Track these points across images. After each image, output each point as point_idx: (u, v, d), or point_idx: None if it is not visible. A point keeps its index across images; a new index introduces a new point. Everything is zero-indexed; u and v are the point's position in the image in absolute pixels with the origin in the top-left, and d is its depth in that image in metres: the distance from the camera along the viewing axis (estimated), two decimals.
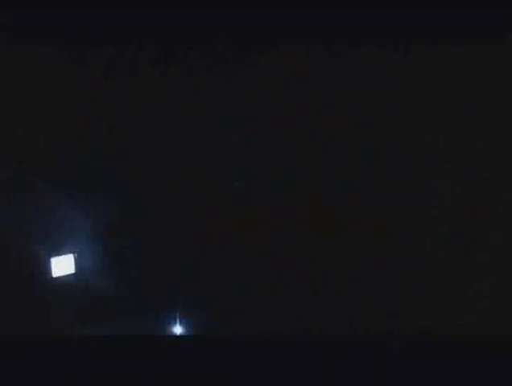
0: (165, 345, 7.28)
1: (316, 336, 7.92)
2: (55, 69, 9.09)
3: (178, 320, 8.31)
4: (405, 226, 9.60)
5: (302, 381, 7.03)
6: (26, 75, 8.91)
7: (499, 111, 9.14)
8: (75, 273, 8.97)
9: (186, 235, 9.96)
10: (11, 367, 6.81)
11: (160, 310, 8.95)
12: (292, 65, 9.58)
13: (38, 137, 8.98)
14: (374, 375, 6.99)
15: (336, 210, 9.99)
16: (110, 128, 9.85)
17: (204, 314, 8.75)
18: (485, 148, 9.37)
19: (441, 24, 7.56)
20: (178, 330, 8.20)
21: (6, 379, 6.71)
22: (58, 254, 8.91)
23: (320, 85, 9.95)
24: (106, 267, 9.99)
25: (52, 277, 8.81)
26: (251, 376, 6.95)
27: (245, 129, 9.83)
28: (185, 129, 10.13)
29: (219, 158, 9.95)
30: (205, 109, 9.70)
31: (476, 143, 9.38)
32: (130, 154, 9.85)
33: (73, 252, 8.96)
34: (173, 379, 6.82)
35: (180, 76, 9.75)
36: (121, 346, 7.08)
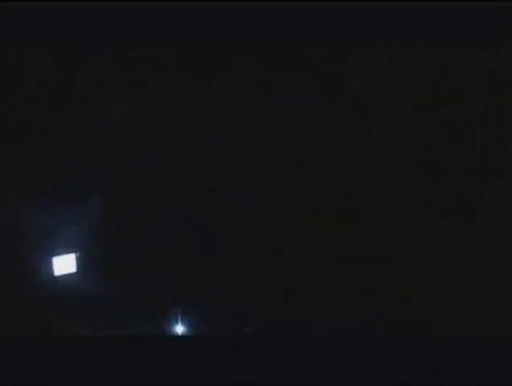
0: (165, 345, 7.27)
1: (316, 336, 7.94)
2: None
3: (178, 320, 8.33)
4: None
5: (302, 381, 7.03)
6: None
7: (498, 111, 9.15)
8: (76, 272, 9.00)
9: (185, 236, 10.01)
10: (11, 368, 6.81)
11: (161, 310, 9.00)
12: None
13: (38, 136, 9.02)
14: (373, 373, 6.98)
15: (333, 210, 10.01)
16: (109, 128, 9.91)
17: (203, 315, 8.79)
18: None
19: (439, 26, 7.56)
20: (178, 330, 8.20)
21: (5, 380, 6.73)
22: (59, 253, 8.94)
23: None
24: (106, 267, 10.04)
25: (54, 276, 8.84)
26: (251, 376, 6.95)
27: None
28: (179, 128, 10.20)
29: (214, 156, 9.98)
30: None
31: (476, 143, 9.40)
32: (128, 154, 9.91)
33: (75, 251, 8.99)
34: (173, 379, 6.82)
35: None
36: (121, 346, 7.08)
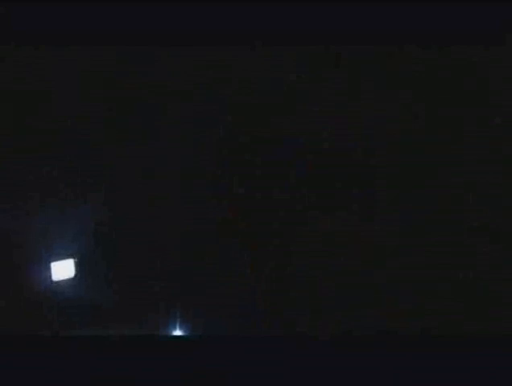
0: (165, 345, 7.25)
1: (316, 336, 7.92)
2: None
3: (177, 324, 8.32)
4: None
5: (302, 381, 6.99)
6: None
7: (498, 111, 9.18)
8: (74, 278, 8.98)
9: (185, 237, 10.01)
10: (10, 369, 6.78)
11: (159, 314, 8.98)
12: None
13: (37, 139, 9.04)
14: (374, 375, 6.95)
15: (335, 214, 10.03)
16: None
17: (203, 315, 8.78)
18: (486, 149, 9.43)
19: (439, 23, 7.58)
20: (177, 332, 8.18)
21: (4, 382, 6.70)
22: (58, 258, 8.92)
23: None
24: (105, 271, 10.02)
25: (52, 281, 8.83)
26: (251, 377, 6.92)
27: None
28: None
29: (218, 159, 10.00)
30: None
31: (477, 144, 9.43)
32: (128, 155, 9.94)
33: (73, 257, 8.97)
34: (173, 380, 6.79)
35: None
36: (120, 346, 7.05)
